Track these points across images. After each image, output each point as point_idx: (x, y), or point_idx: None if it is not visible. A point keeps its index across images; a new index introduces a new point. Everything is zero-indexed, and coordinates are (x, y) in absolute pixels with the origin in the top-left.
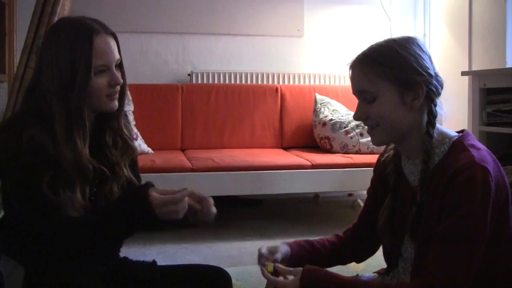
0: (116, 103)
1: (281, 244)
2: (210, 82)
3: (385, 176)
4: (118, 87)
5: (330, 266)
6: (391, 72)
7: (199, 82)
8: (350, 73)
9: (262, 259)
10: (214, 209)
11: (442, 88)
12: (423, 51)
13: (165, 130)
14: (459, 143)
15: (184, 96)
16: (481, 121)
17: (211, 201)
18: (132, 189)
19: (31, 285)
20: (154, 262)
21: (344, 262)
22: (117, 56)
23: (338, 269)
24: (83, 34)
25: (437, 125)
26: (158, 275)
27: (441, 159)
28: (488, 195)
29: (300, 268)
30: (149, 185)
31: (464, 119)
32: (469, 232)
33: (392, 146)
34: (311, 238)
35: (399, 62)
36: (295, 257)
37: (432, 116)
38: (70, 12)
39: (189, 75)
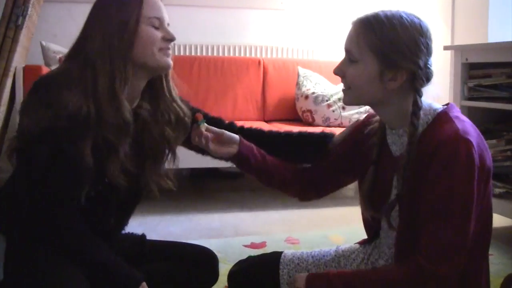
0: (171, 60)
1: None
2: (193, 54)
3: (368, 147)
4: (172, 44)
5: (272, 187)
6: (380, 45)
7: (181, 54)
8: (350, 28)
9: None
10: None
11: (429, 79)
12: (423, 36)
13: None
14: (444, 114)
15: None
16: (462, 95)
17: None
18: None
19: (14, 257)
20: (143, 235)
21: (287, 191)
22: (167, 17)
23: (319, 241)
24: None
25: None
26: (147, 250)
27: (425, 129)
28: (473, 168)
29: (302, 275)
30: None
31: (445, 93)
32: (454, 207)
33: (376, 118)
34: (293, 210)
35: (392, 40)
36: (241, 157)
37: (417, 107)
38: None
39: None
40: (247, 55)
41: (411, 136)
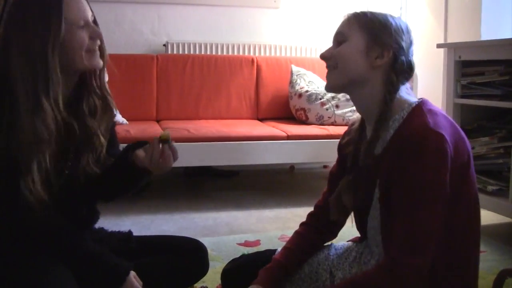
0: (100, 60)
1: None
2: (186, 52)
3: (347, 153)
4: (99, 42)
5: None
6: (370, 24)
7: (175, 52)
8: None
9: None
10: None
11: (411, 71)
12: (406, 33)
13: (140, 100)
14: (417, 109)
15: (159, 66)
16: (455, 93)
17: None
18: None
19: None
20: (129, 232)
21: (318, 248)
22: (90, 12)
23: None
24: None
25: (399, 92)
26: (134, 245)
27: (400, 125)
28: (443, 158)
29: None
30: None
31: (438, 91)
32: (423, 197)
33: (356, 125)
34: (287, 208)
35: (382, 22)
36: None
37: (392, 86)
38: None
39: (164, 45)
40: (241, 53)
41: (381, 113)
